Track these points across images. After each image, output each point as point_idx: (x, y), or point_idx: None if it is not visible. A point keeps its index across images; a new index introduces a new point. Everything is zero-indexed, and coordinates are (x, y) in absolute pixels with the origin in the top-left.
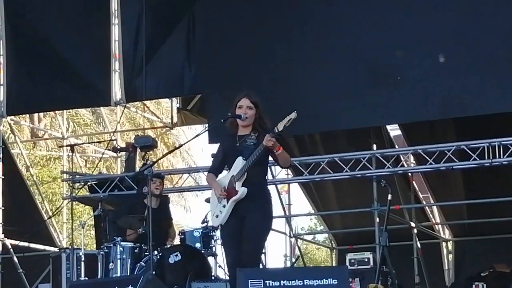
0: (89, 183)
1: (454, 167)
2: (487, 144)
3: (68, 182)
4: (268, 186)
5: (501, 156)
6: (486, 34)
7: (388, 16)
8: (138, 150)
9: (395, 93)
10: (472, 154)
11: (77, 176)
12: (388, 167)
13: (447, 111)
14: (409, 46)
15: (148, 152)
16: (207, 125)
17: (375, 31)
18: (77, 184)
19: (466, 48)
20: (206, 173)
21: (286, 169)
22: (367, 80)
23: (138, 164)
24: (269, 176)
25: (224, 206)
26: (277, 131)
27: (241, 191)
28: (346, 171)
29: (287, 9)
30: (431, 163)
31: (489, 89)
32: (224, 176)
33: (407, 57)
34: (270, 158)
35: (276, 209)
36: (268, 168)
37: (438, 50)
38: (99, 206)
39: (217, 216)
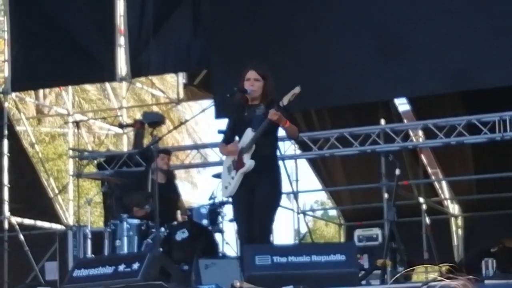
0: (97, 160)
1: (465, 141)
2: (498, 117)
3: (76, 159)
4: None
5: None
6: (497, 6)
7: None
8: (146, 126)
9: (404, 66)
10: (483, 128)
11: (85, 153)
12: (398, 142)
13: (457, 84)
14: (420, 19)
15: (156, 128)
16: (213, 100)
17: (388, 4)
18: (85, 161)
19: (476, 20)
20: (213, 149)
21: (294, 145)
22: (376, 54)
23: (146, 141)
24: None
25: (233, 178)
26: (282, 105)
27: (249, 163)
28: (356, 146)
29: None
30: (441, 138)
31: (500, 62)
32: None
33: (417, 30)
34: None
35: (284, 185)
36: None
37: (449, 22)
38: (106, 183)
39: (226, 187)
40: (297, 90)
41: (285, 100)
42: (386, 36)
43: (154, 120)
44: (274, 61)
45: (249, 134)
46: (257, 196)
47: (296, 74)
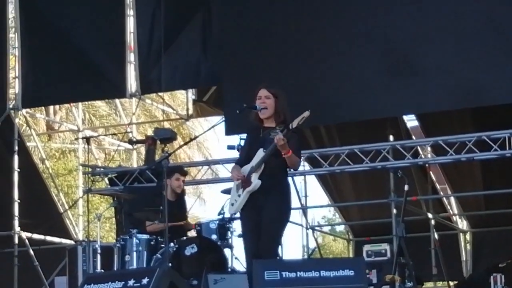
0: (109, 176)
1: (475, 158)
2: (508, 134)
3: (88, 175)
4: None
5: None
6: (505, 24)
7: (409, 5)
8: (158, 142)
9: (414, 83)
10: (493, 145)
11: (97, 169)
12: (408, 158)
13: (467, 100)
14: (429, 37)
15: (167, 145)
16: (223, 116)
17: (396, 21)
18: (96, 177)
19: (485, 38)
20: (225, 165)
21: (303, 161)
22: (386, 71)
23: (158, 157)
24: None
25: (239, 196)
26: (291, 127)
27: (255, 183)
28: (366, 163)
29: (303, 0)
30: (451, 154)
31: (509, 79)
32: (246, 166)
33: (427, 48)
34: None
35: (293, 201)
36: None
37: (458, 40)
38: (115, 198)
39: (232, 205)
40: (306, 114)
41: (294, 123)
42: (395, 53)
43: (165, 137)
44: (284, 78)
45: (260, 154)
46: (265, 213)
47: (305, 91)
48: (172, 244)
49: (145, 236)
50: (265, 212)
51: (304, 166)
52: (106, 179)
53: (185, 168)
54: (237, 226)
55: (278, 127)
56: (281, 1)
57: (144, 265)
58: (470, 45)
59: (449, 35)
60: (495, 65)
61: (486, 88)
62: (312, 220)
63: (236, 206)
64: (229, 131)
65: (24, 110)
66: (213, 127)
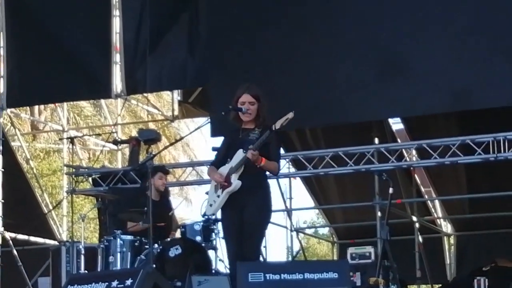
0: (92, 176)
1: (459, 161)
2: (492, 138)
3: (71, 175)
4: (269, 180)
5: (506, 151)
6: (495, 27)
7: (398, 8)
8: (142, 143)
9: (403, 86)
10: (477, 149)
11: (80, 170)
12: (393, 161)
13: (456, 104)
14: (419, 39)
15: (151, 146)
16: (208, 118)
17: (385, 24)
18: (80, 178)
19: (475, 41)
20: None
21: (288, 163)
22: (375, 73)
23: (142, 158)
24: None
25: (218, 196)
26: (274, 128)
27: (235, 183)
28: (351, 165)
29: (292, 0)
30: (435, 157)
31: (499, 83)
32: (224, 167)
33: (416, 50)
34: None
35: (277, 203)
36: None
37: (448, 43)
38: (99, 199)
39: (211, 205)
40: (290, 115)
41: (277, 124)
42: (384, 56)
43: (149, 138)
44: (271, 80)
45: (239, 155)
46: (246, 215)
47: (292, 93)
48: (156, 245)
49: (129, 237)
50: (246, 214)
51: (289, 168)
52: (90, 179)
53: (170, 169)
54: (221, 228)
55: (258, 128)
56: (269, 3)
57: (128, 266)
58: (459, 49)
59: (438, 39)
60: (483, 69)
61: (474, 92)
62: (297, 222)
63: (215, 206)
64: (215, 132)
65: (8, 110)
66: (198, 128)
